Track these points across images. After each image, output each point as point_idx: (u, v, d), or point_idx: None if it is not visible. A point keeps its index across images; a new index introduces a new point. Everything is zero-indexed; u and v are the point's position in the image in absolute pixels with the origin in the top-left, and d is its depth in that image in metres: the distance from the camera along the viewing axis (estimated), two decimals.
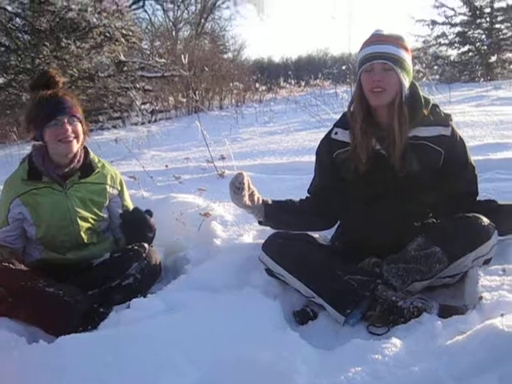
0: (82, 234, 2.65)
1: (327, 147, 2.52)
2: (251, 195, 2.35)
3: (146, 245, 2.68)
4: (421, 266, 2.15)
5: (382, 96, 2.27)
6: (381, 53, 2.24)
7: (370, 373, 1.58)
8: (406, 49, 2.29)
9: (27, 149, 2.68)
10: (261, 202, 2.43)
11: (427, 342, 1.74)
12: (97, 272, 2.62)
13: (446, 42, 19.10)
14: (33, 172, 2.59)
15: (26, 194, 2.57)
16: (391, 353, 1.67)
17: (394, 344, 1.72)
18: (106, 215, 2.76)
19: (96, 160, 2.74)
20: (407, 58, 2.28)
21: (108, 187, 2.75)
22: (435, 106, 2.38)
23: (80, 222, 2.64)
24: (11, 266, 2.39)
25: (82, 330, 2.22)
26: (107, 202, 2.76)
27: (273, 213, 2.49)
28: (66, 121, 2.52)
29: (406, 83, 2.27)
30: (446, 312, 2.02)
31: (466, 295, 2.17)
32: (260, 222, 2.56)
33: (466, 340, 1.66)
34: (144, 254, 2.62)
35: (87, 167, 2.68)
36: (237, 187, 2.27)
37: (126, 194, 2.89)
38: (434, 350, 1.68)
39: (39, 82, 2.63)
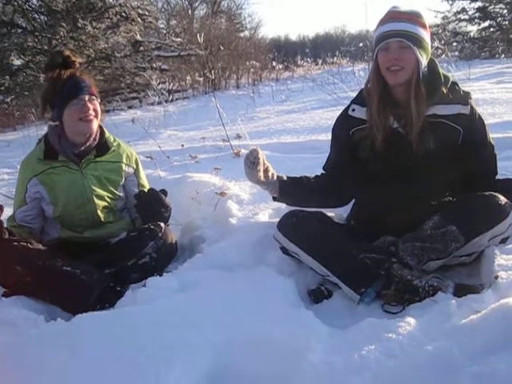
0: (99, 212, 2.68)
1: (344, 124, 2.50)
2: (266, 171, 2.35)
3: (162, 224, 2.68)
4: (437, 244, 2.14)
5: (399, 74, 2.23)
6: (397, 31, 2.20)
7: (384, 351, 1.58)
8: (423, 25, 2.24)
9: (45, 129, 2.70)
10: (275, 177, 2.42)
11: (442, 321, 1.73)
12: (113, 251, 2.63)
13: (466, 17, 18.81)
14: (49, 151, 2.61)
15: (42, 173, 2.59)
16: (405, 331, 1.67)
17: (409, 323, 1.72)
18: (122, 194, 2.77)
19: (111, 139, 2.75)
20: (424, 35, 2.24)
21: (124, 166, 2.77)
22: (454, 83, 2.35)
23: (96, 200, 2.66)
24: (29, 245, 2.41)
25: (99, 309, 2.25)
26: (123, 180, 2.77)
27: (287, 189, 2.48)
28: (87, 99, 2.54)
29: (424, 61, 2.23)
30: (461, 291, 2.01)
31: (482, 274, 2.16)
32: (274, 198, 2.55)
33: (480, 319, 1.65)
34: (160, 233, 2.63)
35: (103, 146, 2.70)
36: (251, 162, 2.26)
37: (142, 172, 2.90)
38: (449, 329, 1.67)
39: (55, 62, 2.64)
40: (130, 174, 2.81)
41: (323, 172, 2.60)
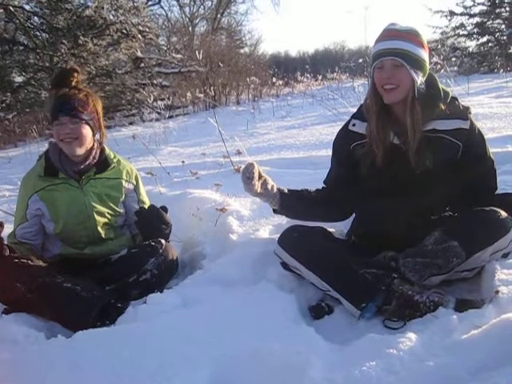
0: (99, 229, 2.68)
1: (344, 138, 2.51)
2: (264, 183, 2.35)
3: (162, 240, 2.69)
4: (438, 260, 2.13)
5: (394, 93, 2.24)
6: (390, 49, 2.22)
7: (385, 367, 1.58)
8: (419, 43, 2.24)
9: (46, 146, 2.71)
10: (275, 190, 2.43)
11: (443, 337, 1.73)
12: (114, 267, 2.64)
13: (465, 32, 18.93)
14: (49, 168, 2.62)
15: (43, 189, 2.60)
16: (406, 347, 1.67)
17: (410, 338, 1.72)
18: (122, 210, 2.78)
19: (111, 156, 2.76)
20: (420, 52, 2.24)
21: (124, 182, 2.78)
22: (454, 98, 2.36)
23: (97, 217, 2.67)
24: (29, 262, 2.41)
25: (99, 325, 2.23)
26: (123, 196, 2.78)
27: (288, 201, 2.48)
28: (66, 121, 2.52)
29: (420, 78, 2.24)
30: (462, 306, 2.00)
31: (483, 289, 2.16)
32: (275, 211, 2.55)
33: (481, 334, 1.65)
34: (161, 250, 2.63)
35: (103, 163, 2.71)
36: (247, 177, 2.27)
37: (142, 189, 2.91)
38: (450, 345, 1.67)
39: (57, 80, 2.66)
40: (130, 190, 2.82)
41: (324, 186, 2.61)
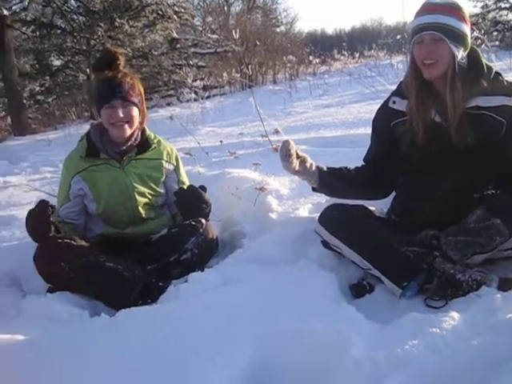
0: (140, 209, 2.71)
1: (384, 116, 2.48)
2: (302, 161, 2.34)
3: (202, 220, 2.71)
4: (481, 238, 2.09)
5: (434, 68, 2.19)
6: (429, 23, 2.16)
7: (427, 346, 1.56)
8: (459, 16, 2.18)
9: (85, 128, 2.74)
10: (314, 167, 2.42)
11: (486, 316, 1.70)
12: (155, 247, 2.67)
13: (507, 5, 18.34)
14: (91, 149, 2.65)
15: (85, 170, 2.63)
16: (449, 326, 1.65)
17: (452, 317, 1.69)
18: (162, 190, 2.80)
19: (152, 136, 2.78)
20: (461, 25, 2.18)
21: (164, 162, 2.79)
22: (498, 74, 2.29)
23: (138, 197, 2.69)
24: (72, 242, 2.46)
25: (141, 304, 2.28)
26: (164, 177, 2.80)
27: (327, 179, 2.46)
28: (118, 105, 2.53)
29: (460, 52, 2.18)
30: (505, 285, 1.98)
31: None
32: (314, 189, 2.54)
33: None
34: (201, 229, 2.65)
35: (144, 144, 2.72)
36: (284, 154, 2.27)
37: (182, 169, 2.92)
38: (494, 324, 1.64)
39: (101, 62, 2.65)
40: (171, 170, 2.83)
41: (363, 164, 2.59)
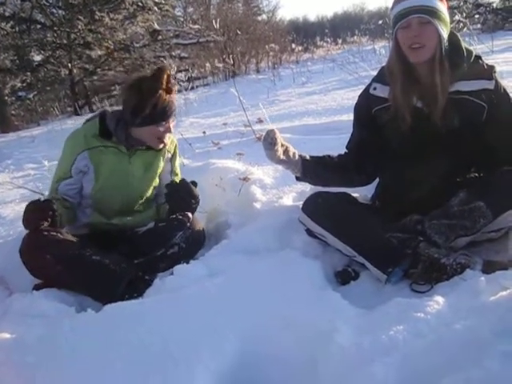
0: (134, 198, 2.73)
1: (366, 103, 2.47)
2: (286, 151, 2.34)
3: (189, 214, 2.71)
4: (464, 221, 2.11)
5: (422, 52, 2.18)
6: (416, 6, 2.14)
7: (412, 331, 1.57)
8: None
9: (69, 123, 2.75)
10: (297, 156, 2.41)
11: (470, 299, 1.71)
12: (141, 241, 2.66)
13: None
14: (104, 131, 2.66)
15: (94, 148, 2.63)
16: (433, 310, 1.65)
17: (437, 301, 1.70)
18: (158, 181, 2.83)
19: None
20: (443, 7, 2.18)
21: (166, 153, 2.84)
22: (478, 57, 2.29)
23: (136, 185, 2.73)
24: (59, 235, 2.45)
25: (127, 298, 2.27)
26: (162, 165, 2.83)
27: (310, 168, 2.46)
28: (171, 124, 2.65)
29: (445, 35, 2.18)
30: (489, 267, 1.98)
31: (511, 250, 2.13)
32: (297, 178, 2.54)
33: (509, 296, 1.63)
34: (188, 223, 2.65)
35: None
36: (269, 143, 2.26)
37: (177, 160, 2.95)
38: (478, 307, 1.65)
39: (158, 82, 2.61)
40: (167, 159, 2.86)
41: (346, 151, 2.58)
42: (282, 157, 2.31)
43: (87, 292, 2.42)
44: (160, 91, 2.57)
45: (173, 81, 2.68)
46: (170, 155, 2.87)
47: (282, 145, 2.32)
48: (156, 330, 1.77)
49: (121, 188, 2.69)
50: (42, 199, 2.48)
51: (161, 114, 2.59)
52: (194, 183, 2.81)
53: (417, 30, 2.15)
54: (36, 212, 2.41)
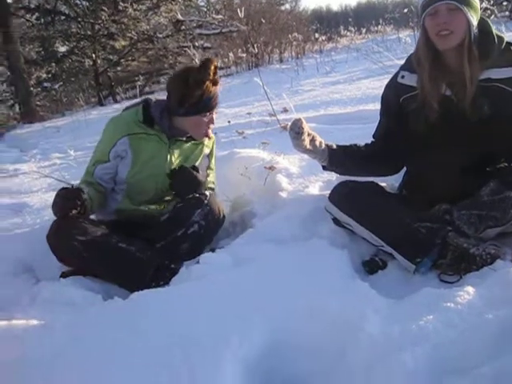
0: (167, 188, 2.75)
1: (393, 91, 2.44)
2: (312, 140, 2.32)
3: (207, 192, 2.73)
4: (494, 211, 2.07)
5: (450, 38, 2.14)
6: None
7: (443, 321, 1.55)
8: None
9: (93, 114, 2.77)
10: (323, 145, 2.39)
11: (502, 289, 1.68)
12: (162, 224, 2.66)
13: None
14: (147, 118, 2.69)
15: (136, 134, 2.67)
16: (464, 300, 1.63)
17: (467, 292, 1.67)
18: None
19: None
20: None
21: (204, 147, 2.88)
22: (509, 44, 2.23)
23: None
24: (86, 222, 2.49)
25: (154, 286, 2.28)
26: (200, 159, 2.87)
27: (337, 157, 2.44)
28: (214, 114, 2.71)
29: (474, 21, 2.13)
30: None
31: None
32: (324, 167, 2.52)
33: None
34: (206, 201, 2.66)
35: None
36: (296, 132, 2.24)
37: (214, 157, 3.01)
38: (509, 297, 1.62)
39: (202, 73, 2.64)
40: (205, 154, 2.90)
41: (373, 140, 2.56)
42: (308, 146, 2.30)
43: (113, 279, 2.45)
44: (207, 82, 2.61)
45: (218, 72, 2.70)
46: (208, 150, 2.92)
47: (309, 134, 2.30)
48: (183, 318, 1.77)
49: (157, 176, 2.72)
50: (74, 186, 2.50)
51: (206, 105, 2.64)
52: (196, 168, 2.81)
53: (445, 16, 2.12)
54: (65, 200, 2.42)
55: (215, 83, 2.66)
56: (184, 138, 2.76)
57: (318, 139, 2.36)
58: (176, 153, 2.76)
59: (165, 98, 2.73)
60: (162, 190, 2.76)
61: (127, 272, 2.39)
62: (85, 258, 2.40)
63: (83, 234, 2.43)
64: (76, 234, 2.42)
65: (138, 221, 2.69)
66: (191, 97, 2.59)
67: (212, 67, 2.63)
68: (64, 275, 2.45)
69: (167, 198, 2.81)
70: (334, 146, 2.45)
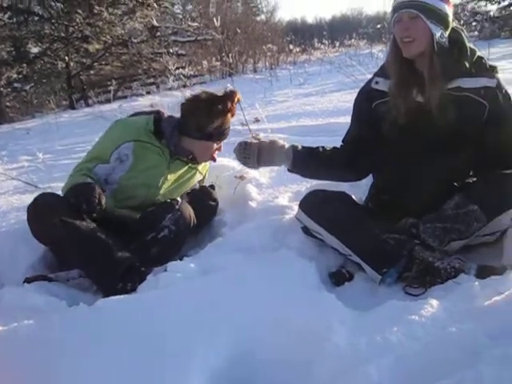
0: (155, 200, 2.76)
1: (366, 97, 2.46)
2: (269, 150, 2.38)
3: (178, 198, 2.76)
4: (459, 224, 2.12)
5: (412, 46, 2.19)
6: (406, 1, 2.16)
7: (407, 333, 1.57)
8: None
9: (64, 116, 2.74)
10: (287, 146, 2.41)
11: (465, 303, 1.71)
12: (132, 228, 2.65)
13: None
14: (157, 130, 2.74)
15: (142, 142, 2.70)
16: (428, 313, 1.65)
17: (431, 304, 1.70)
18: None
19: None
20: (440, 4, 2.16)
21: (198, 173, 2.98)
22: (481, 57, 2.29)
23: (162, 191, 2.79)
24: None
25: (121, 287, 2.29)
26: (192, 183, 2.97)
27: (301, 158, 2.44)
28: (221, 145, 2.83)
29: (439, 31, 2.16)
30: (483, 272, 1.98)
31: (505, 255, 2.13)
32: (289, 170, 2.52)
33: (504, 300, 1.63)
34: (177, 206, 2.66)
35: (194, 157, 2.86)
36: (243, 157, 2.31)
37: (204, 183, 3.10)
38: (472, 311, 1.65)
39: (224, 105, 2.73)
40: (198, 180, 3.01)
41: (342, 144, 2.57)
42: (257, 166, 2.37)
43: (83, 266, 2.44)
44: (229, 114, 2.72)
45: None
46: (200, 177, 3.01)
47: (262, 145, 2.33)
48: (149, 327, 1.75)
49: (149, 186, 2.75)
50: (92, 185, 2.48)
51: (222, 134, 2.77)
52: (213, 187, 3.00)
53: (406, 23, 2.17)
54: (94, 197, 2.43)
55: (233, 115, 2.79)
56: (185, 159, 2.82)
57: (280, 142, 2.39)
58: (173, 171, 2.81)
59: (171, 113, 2.85)
60: (150, 200, 2.75)
61: (99, 263, 2.37)
62: (62, 238, 2.38)
63: (66, 214, 2.41)
64: (58, 210, 2.40)
65: (116, 222, 2.66)
66: (211, 124, 2.69)
67: (235, 100, 2.74)
68: (28, 280, 2.40)
69: (151, 209, 2.78)
70: (300, 147, 2.46)
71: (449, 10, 2.20)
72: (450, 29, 2.22)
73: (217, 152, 2.84)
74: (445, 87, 2.21)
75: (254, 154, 2.34)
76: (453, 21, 2.24)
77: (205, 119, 2.69)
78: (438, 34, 2.16)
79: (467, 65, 2.22)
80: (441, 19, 2.18)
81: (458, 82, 2.22)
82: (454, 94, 2.21)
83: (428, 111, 2.22)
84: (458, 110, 2.19)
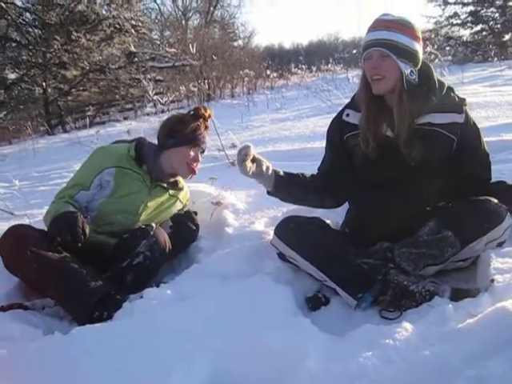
0: (134, 226, 2.74)
1: (338, 128, 2.50)
2: (259, 165, 2.36)
3: (152, 223, 2.72)
4: (433, 250, 2.14)
5: (382, 83, 2.24)
6: (377, 39, 2.22)
7: (381, 357, 1.58)
8: (409, 33, 2.23)
9: (41, 143, 2.74)
10: (271, 171, 2.43)
11: (438, 326, 1.73)
12: (107, 255, 2.63)
13: (459, 21, 18.98)
14: (138, 157, 2.75)
15: (123, 169, 2.72)
16: (402, 337, 1.67)
17: (405, 328, 1.71)
18: None
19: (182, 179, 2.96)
20: (410, 42, 2.22)
21: (178, 202, 2.98)
22: (450, 89, 2.35)
23: (142, 217, 2.77)
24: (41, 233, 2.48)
25: (97, 315, 2.27)
26: (173, 211, 2.96)
27: (283, 184, 2.47)
28: (199, 153, 2.82)
29: (408, 69, 2.23)
30: (457, 295, 2.00)
31: (478, 278, 2.16)
32: (269, 193, 2.54)
33: (477, 323, 1.65)
34: (152, 232, 2.64)
35: (176, 182, 2.92)
36: (241, 159, 2.29)
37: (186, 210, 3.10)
38: (446, 334, 1.66)
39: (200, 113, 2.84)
40: (178, 208, 3.00)
41: (318, 172, 2.61)
42: (251, 173, 2.33)
43: (56, 297, 2.41)
44: (201, 120, 2.79)
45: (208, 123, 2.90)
46: (180, 206, 3.02)
47: (255, 159, 2.34)
48: (124, 355, 1.75)
49: (129, 213, 2.74)
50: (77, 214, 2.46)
51: (195, 138, 2.78)
52: (195, 213, 3.01)
53: (376, 62, 2.23)
54: (78, 227, 2.41)
55: (206, 127, 2.86)
56: (165, 185, 2.83)
57: (265, 164, 2.40)
58: (153, 198, 2.81)
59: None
60: (129, 226, 2.73)
61: (72, 294, 2.35)
62: (34, 269, 2.36)
63: (38, 244, 2.40)
64: (30, 242, 2.39)
65: (92, 248, 2.63)
66: (184, 130, 2.74)
67: (205, 113, 2.83)
68: (3, 309, 2.38)
69: (126, 235, 2.75)
70: (282, 173, 2.48)
71: (418, 47, 2.27)
72: (419, 65, 2.27)
73: (196, 165, 2.82)
74: (414, 123, 2.26)
75: (249, 158, 2.33)
76: (423, 54, 2.30)
77: (176, 125, 2.76)
78: (407, 72, 2.22)
79: (436, 100, 2.27)
80: (411, 57, 2.23)
81: (427, 118, 2.27)
82: (424, 128, 2.26)
83: (397, 145, 2.27)
84: (426, 145, 2.25)
